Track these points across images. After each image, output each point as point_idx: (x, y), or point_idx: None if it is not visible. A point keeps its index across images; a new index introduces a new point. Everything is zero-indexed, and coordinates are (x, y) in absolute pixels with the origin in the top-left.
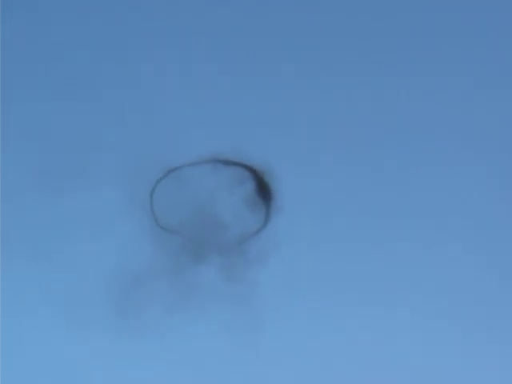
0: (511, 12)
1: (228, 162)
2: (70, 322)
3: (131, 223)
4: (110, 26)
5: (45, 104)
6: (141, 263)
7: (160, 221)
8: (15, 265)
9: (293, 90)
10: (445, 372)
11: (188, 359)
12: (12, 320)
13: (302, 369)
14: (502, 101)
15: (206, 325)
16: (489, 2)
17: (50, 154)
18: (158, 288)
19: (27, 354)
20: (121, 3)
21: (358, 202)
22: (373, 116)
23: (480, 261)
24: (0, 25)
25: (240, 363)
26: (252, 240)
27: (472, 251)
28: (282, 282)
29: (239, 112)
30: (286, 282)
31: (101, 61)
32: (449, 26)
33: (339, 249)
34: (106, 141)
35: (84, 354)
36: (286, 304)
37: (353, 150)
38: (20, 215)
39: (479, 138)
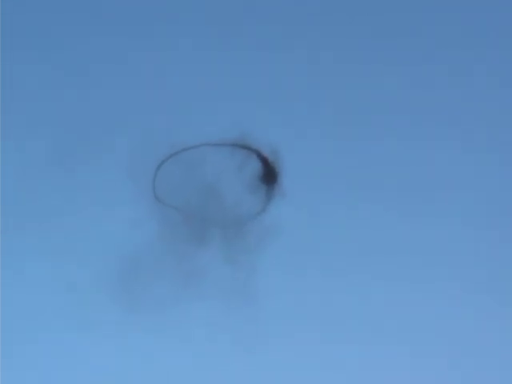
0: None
1: (236, 146)
2: (77, 297)
3: (138, 203)
4: (117, 7)
5: (55, 84)
6: (146, 242)
7: (163, 197)
8: (23, 239)
9: (305, 79)
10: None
11: (190, 336)
12: (20, 294)
13: (299, 348)
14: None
15: (206, 306)
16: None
17: (60, 134)
18: (161, 268)
19: (34, 325)
20: None
21: (361, 190)
22: (381, 109)
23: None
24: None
25: (240, 346)
26: (253, 223)
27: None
28: (281, 265)
29: (250, 98)
30: (285, 265)
31: (111, 43)
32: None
33: (340, 235)
34: (117, 122)
35: (90, 331)
36: (284, 285)
37: (359, 140)
38: (30, 192)
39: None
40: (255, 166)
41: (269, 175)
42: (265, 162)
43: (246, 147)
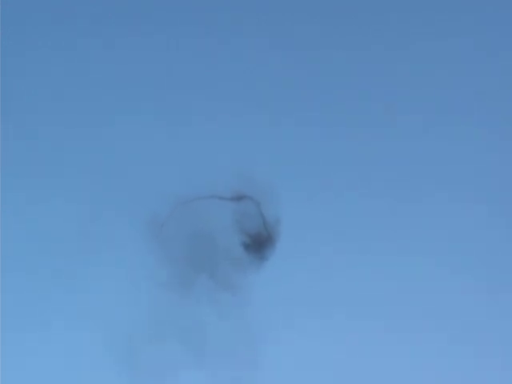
0: None
1: (236, 199)
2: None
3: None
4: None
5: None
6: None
7: (166, 245)
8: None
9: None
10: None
11: None
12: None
13: None
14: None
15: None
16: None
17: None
18: (162, 330)
19: None
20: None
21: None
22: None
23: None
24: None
25: None
26: (246, 275)
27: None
28: (275, 315)
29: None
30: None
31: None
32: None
33: (331, 281)
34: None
35: None
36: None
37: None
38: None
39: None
40: (254, 225)
41: (262, 241)
42: (263, 225)
43: (249, 200)
